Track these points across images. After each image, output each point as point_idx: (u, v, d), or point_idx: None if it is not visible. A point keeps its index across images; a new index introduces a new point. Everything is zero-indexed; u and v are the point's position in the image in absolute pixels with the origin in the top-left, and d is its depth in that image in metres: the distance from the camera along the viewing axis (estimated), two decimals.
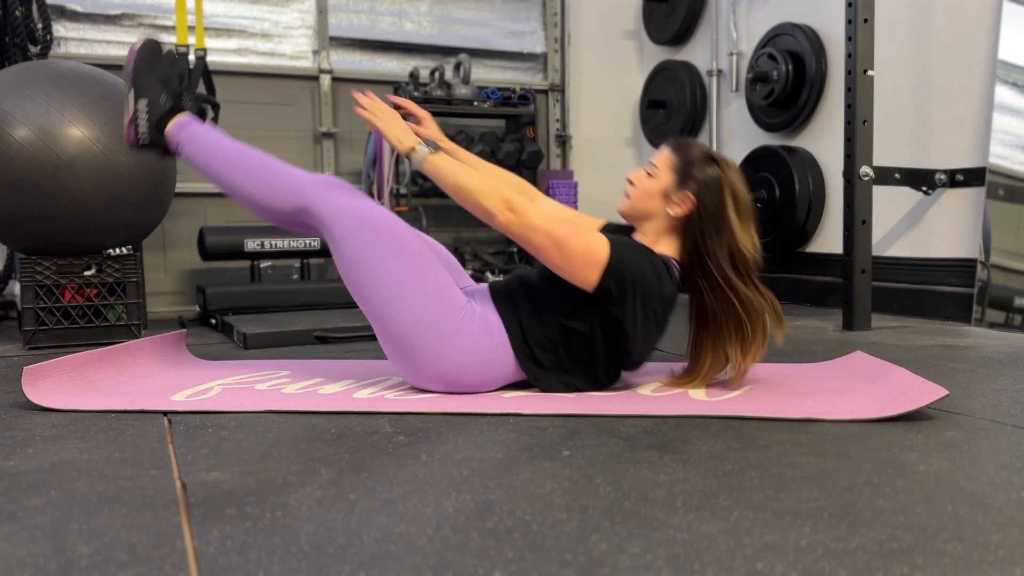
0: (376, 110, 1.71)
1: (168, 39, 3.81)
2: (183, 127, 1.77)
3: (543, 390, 1.63)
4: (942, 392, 1.43)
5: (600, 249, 1.53)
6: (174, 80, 1.83)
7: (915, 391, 1.49)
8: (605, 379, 1.66)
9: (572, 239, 1.53)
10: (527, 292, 1.65)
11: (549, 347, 1.61)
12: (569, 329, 1.59)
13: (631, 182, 1.68)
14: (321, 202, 1.62)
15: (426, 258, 1.61)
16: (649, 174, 1.66)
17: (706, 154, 1.64)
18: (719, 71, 3.96)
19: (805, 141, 3.47)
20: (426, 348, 1.58)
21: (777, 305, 1.63)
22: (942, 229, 2.89)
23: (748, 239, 1.60)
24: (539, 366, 1.62)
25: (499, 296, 1.65)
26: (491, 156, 4.18)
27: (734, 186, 1.61)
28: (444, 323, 1.58)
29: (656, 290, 1.56)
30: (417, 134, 1.69)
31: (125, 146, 1.82)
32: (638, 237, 1.68)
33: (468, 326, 1.59)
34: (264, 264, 3.87)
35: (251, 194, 1.69)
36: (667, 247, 1.64)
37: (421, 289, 1.58)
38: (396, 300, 1.58)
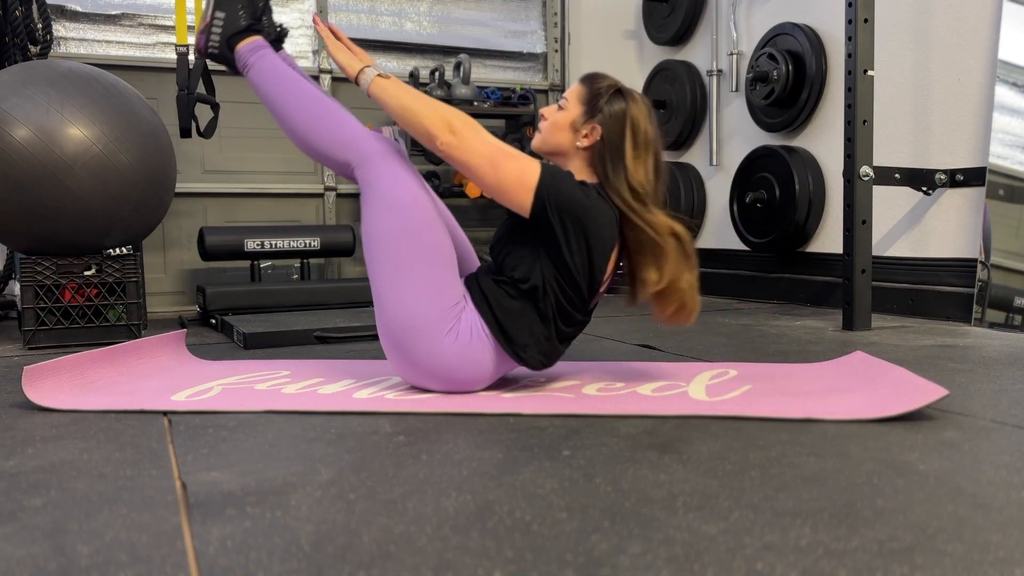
0: (325, 35, 1.71)
1: (168, 39, 3.81)
2: (255, 49, 1.76)
3: (530, 367, 1.63)
4: (942, 392, 1.43)
5: (532, 170, 1.55)
6: (258, 1, 1.80)
7: (915, 391, 1.49)
8: (569, 327, 1.65)
9: (507, 161, 1.54)
10: (486, 271, 1.67)
11: (515, 316, 1.60)
12: (525, 289, 1.59)
13: (543, 116, 1.70)
14: (369, 167, 1.64)
15: (445, 260, 1.61)
16: (560, 107, 1.67)
17: (614, 87, 1.65)
18: (719, 71, 3.96)
19: (805, 141, 3.47)
20: (421, 343, 1.59)
21: (682, 230, 1.61)
22: (942, 229, 2.89)
23: (641, 170, 1.61)
24: (516, 343, 1.61)
25: (470, 287, 1.66)
26: None
27: (635, 119, 1.62)
28: (441, 325, 1.58)
29: (586, 205, 1.55)
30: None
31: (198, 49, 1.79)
32: None
33: (461, 330, 1.60)
34: (264, 264, 3.87)
35: (305, 134, 1.70)
36: (584, 178, 1.64)
37: (430, 287, 1.59)
38: (403, 288, 1.59)
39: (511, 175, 1.54)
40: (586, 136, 1.63)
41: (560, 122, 1.66)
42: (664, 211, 1.63)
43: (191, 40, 2.70)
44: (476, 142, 1.56)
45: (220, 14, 1.74)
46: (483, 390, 1.67)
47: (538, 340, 1.62)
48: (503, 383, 1.75)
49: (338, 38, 1.72)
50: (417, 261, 1.59)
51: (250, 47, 1.77)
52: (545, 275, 1.58)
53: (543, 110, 1.71)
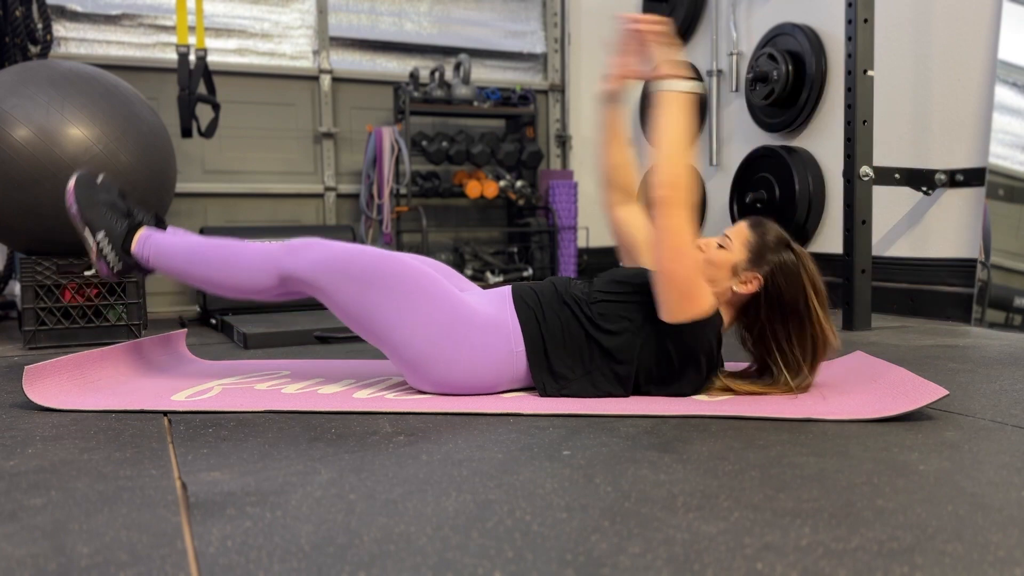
0: (651, 31, 1.62)
1: (168, 39, 3.82)
2: (145, 242, 1.77)
3: (544, 395, 1.62)
4: (942, 392, 1.43)
5: (707, 297, 1.55)
6: (119, 201, 1.84)
7: (915, 391, 1.49)
8: (608, 392, 1.63)
9: (693, 265, 1.53)
10: (563, 300, 1.63)
11: (568, 358, 1.60)
12: (602, 343, 1.58)
13: (701, 249, 1.65)
14: (298, 264, 1.64)
15: (418, 277, 1.61)
16: (721, 245, 1.64)
17: (782, 239, 1.63)
18: (719, 71, 3.96)
19: (805, 141, 3.48)
20: (439, 363, 1.59)
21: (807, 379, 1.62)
22: (942, 229, 2.89)
23: (830, 329, 1.60)
24: (551, 375, 1.60)
25: (522, 300, 1.64)
26: (491, 156, 4.18)
27: (812, 275, 1.60)
28: (453, 337, 1.59)
29: (708, 355, 1.57)
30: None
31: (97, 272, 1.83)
32: None
33: (476, 334, 1.59)
34: None
35: (230, 282, 1.70)
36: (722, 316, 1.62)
37: (423, 310, 1.59)
38: (402, 328, 1.59)
39: (687, 280, 1.51)
40: (745, 283, 1.60)
41: (721, 261, 1.61)
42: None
43: (191, 40, 2.69)
44: (686, 220, 1.51)
45: (100, 234, 1.76)
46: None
47: (576, 379, 1.61)
48: None
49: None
50: (398, 297, 1.59)
51: (141, 242, 1.77)
52: (635, 348, 1.57)
53: (700, 242, 1.65)
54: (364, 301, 1.60)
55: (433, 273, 1.64)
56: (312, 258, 1.63)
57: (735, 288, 1.60)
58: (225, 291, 1.72)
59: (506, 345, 1.60)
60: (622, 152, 1.83)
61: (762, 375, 1.65)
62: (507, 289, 1.70)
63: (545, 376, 1.60)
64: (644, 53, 1.65)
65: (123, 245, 1.76)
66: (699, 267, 1.55)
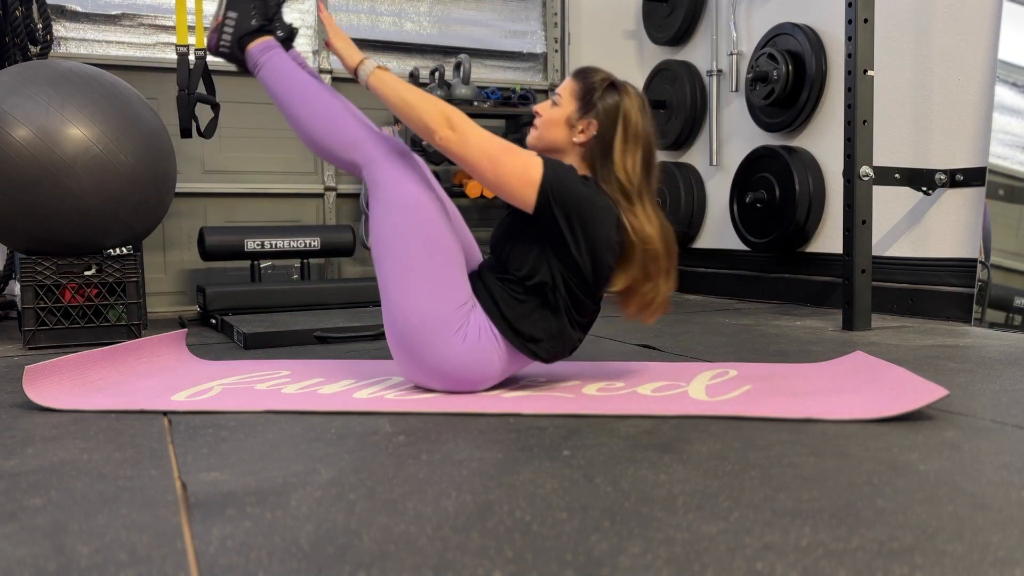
0: (328, 22, 1.72)
1: (168, 39, 3.81)
2: (266, 50, 1.76)
3: (545, 361, 1.64)
4: (942, 392, 1.43)
5: (534, 166, 1.55)
6: (270, 1, 1.81)
7: (915, 391, 1.49)
8: (580, 323, 1.66)
9: (507, 157, 1.55)
10: (489, 268, 1.67)
11: (525, 313, 1.61)
12: (532, 286, 1.60)
13: (537, 113, 1.69)
14: (377, 167, 1.65)
15: (452, 259, 1.62)
16: (554, 103, 1.67)
17: (607, 80, 1.65)
18: (719, 71, 3.96)
19: (805, 141, 3.47)
20: (430, 343, 1.59)
21: (655, 237, 1.61)
22: (942, 229, 2.89)
23: (629, 163, 1.61)
24: (528, 339, 1.61)
25: (475, 286, 1.66)
26: None
27: (627, 111, 1.62)
28: (450, 324, 1.59)
29: (590, 199, 1.56)
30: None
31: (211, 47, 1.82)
32: None
33: (470, 330, 1.60)
34: (264, 264, 3.87)
35: (314, 133, 1.71)
36: (583, 173, 1.64)
37: (438, 287, 1.59)
38: (411, 289, 1.59)
39: (513, 170, 1.54)
40: (582, 132, 1.63)
41: (555, 118, 1.66)
42: (652, 211, 1.63)
43: (191, 40, 2.70)
44: (475, 137, 1.56)
45: (232, 14, 1.75)
46: (484, 389, 1.67)
47: (551, 334, 1.63)
48: (504, 383, 1.75)
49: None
50: (424, 261, 1.59)
51: (261, 47, 1.77)
52: (552, 269, 1.59)
53: (537, 107, 1.71)
54: (398, 244, 1.60)
55: (460, 262, 1.64)
56: (393, 174, 1.63)
57: (575, 140, 1.63)
58: (304, 135, 1.72)
59: (488, 333, 1.61)
60: None
61: None
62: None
63: (528, 344, 1.61)
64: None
65: (243, 38, 1.75)
66: (511, 149, 1.56)
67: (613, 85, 1.65)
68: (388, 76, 1.63)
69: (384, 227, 1.63)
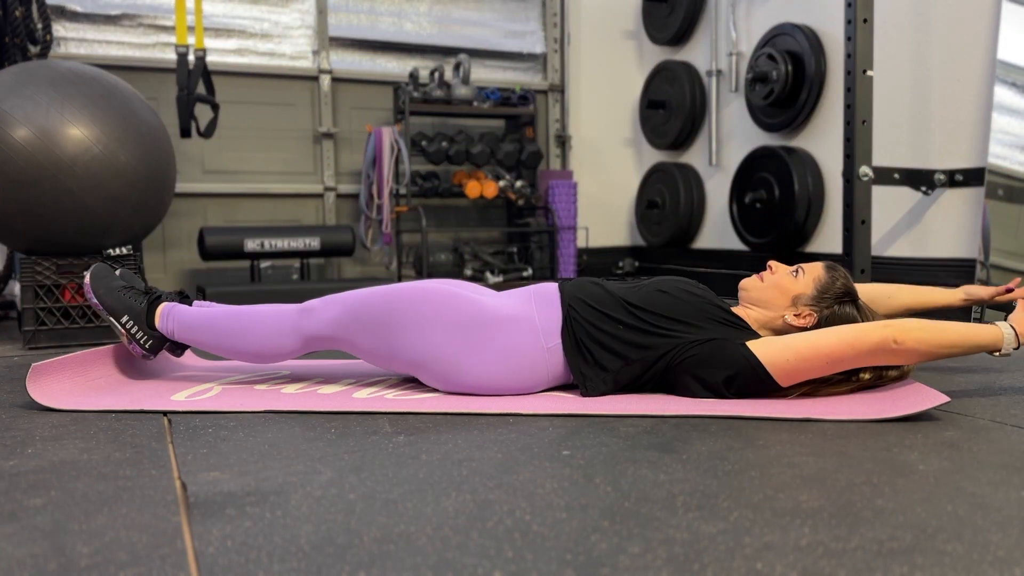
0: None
1: (168, 39, 3.81)
2: (167, 316, 1.78)
3: (585, 394, 1.61)
4: (943, 399, 1.43)
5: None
6: (137, 283, 1.88)
7: (916, 395, 1.49)
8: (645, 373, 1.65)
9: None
10: (591, 294, 1.64)
11: (602, 346, 1.60)
12: (638, 352, 1.59)
13: (771, 268, 1.68)
14: (317, 325, 1.68)
15: (429, 297, 1.63)
16: (795, 274, 1.66)
17: (850, 291, 1.65)
18: (719, 71, 3.96)
19: (804, 141, 3.48)
20: (471, 368, 1.60)
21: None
22: (941, 229, 2.89)
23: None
24: (595, 367, 1.60)
25: (566, 295, 1.64)
26: (491, 156, 4.18)
27: None
28: (480, 339, 1.59)
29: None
30: None
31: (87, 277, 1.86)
32: (738, 311, 1.67)
33: (502, 334, 1.60)
34: (264, 264, 3.87)
35: (255, 350, 1.74)
36: (766, 343, 1.60)
37: (445, 326, 1.60)
38: (429, 350, 1.61)
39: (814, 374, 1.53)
40: (799, 316, 1.62)
41: (787, 288, 1.64)
42: None
43: (191, 40, 2.69)
44: (869, 359, 1.51)
45: (125, 318, 1.79)
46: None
47: (608, 381, 1.61)
48: None
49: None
50: (421, 327, 1.61)
51: (163, 317, 1.79)
52: (674, 353, 1.57)
53: (775, 264, 1.68)
54: (387, 342, 1.64)
55: (444, 287, 1.65)
56: (327, 318, 1.68)
57: (788, 319, 1.63)
58: (253, 358, 1.77)
59: (535, 341, 1.60)
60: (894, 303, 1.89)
61: None
62: (531, 288, 1.71)
63: (587, 368, 1.60)
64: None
65: (147, 321, 1.78)
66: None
67: (854, 301, 1.64)
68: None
69: (369, 345, 1.65)
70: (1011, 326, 1.53)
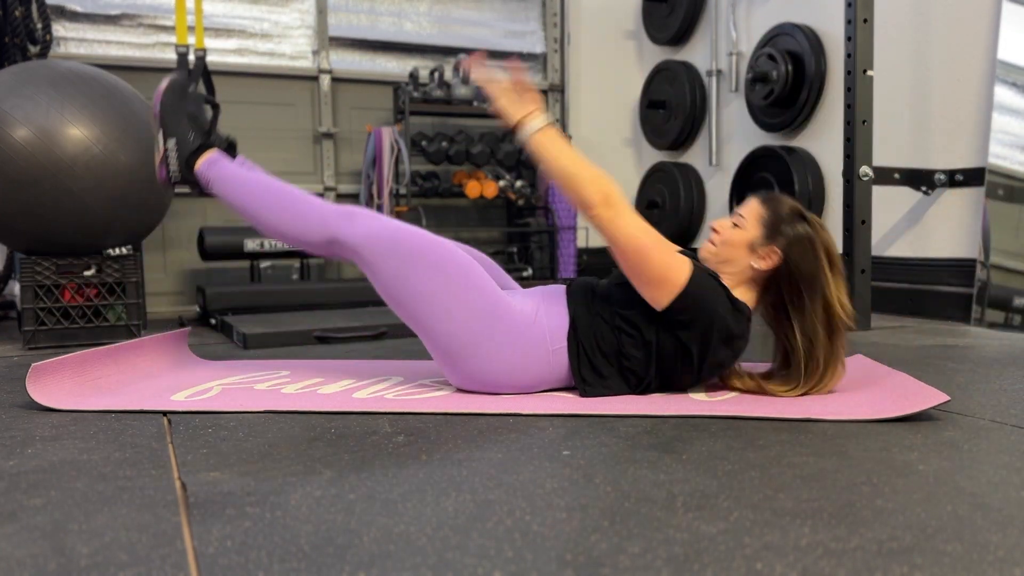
0: (488, 78, 1.64)
1: (168, 39, 3.81)
2: (212, 164, 1.78)
3: (584, 395, 1.61)
4: (943, 397, 1.43)
5: (681, 271, 1.52)
6: (202, 118, 1.85)
7: (915, 395, 1.49)
8: (645, 389, 1.64)
9: (656, 252, 1.52)
10: (589, 298, 1.64)
11: (603, 356, 1.60)
12: (623, 335, 1.58)
13: (715, 230, 1.66)
14: (349, 232, 1.65)
15: (462, 264, 1.61)
16: (736, 224, 1.64)
17: (796, 210, 1.62)
18: (719, 71, 3.96)
19: (804, 141, 3.48)
20: (476, 354, 1.59)
21: (840, 365, 1.61)
22: (942, 229, 2.89)
23: (843, 296, 1.58)
24: (594, 373, 1.60)
25: (571, 297, 1.65)
26: (491, 156, 4.18)
27: (827, 244, 1.60)
28: (492, 328, 1.59)
29: (727, 330, 1.55)
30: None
31: (159, 184, 1.87)
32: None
33: (514, 332, 1.59)
34: (264, 264, 3.87)
35: (281, 228, 1.72)
36: (743, 296, 1.62)
37: (464, 297, 1.59)
38: (441, 312, 1.59)
39: (658, 269, 1.51)
40: (763, 258, 1.60)
41: (736, 240, 1.62)
42: (841, 336, 1.59)
43: (191, 41, 2.69)
44: (630, 223, 1.52)
45: (171, 142, 1.78)
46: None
47: (611, 384, 1.61)
48: None
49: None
50: (438, 282, 1.59)
51: (207, 163, 1.79)
52: (650, 344, 1.57)
53: (715, 223, 1.67)
54: (406, 280, 1.60)
55: (478, 266, 1.64)
56: (363, 230, 1.64)
57: (754, 265, 1.60)
58: (273, 234, 1.74)
59: (542, 343, 1.60)
60: None
61: (785, 368, 1.65)
62: (540, 289, 1.71)
63: (586, 373, 1.60)
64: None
65: (188, 160, 1.77)
66: (662, 246, 1.54)
67: (803, 216, 1.61)
68: (553, 138, 1.55)
69: (387, 276, 1.62)
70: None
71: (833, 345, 1.57)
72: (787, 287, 1.59)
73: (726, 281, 1.62)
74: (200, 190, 1.82)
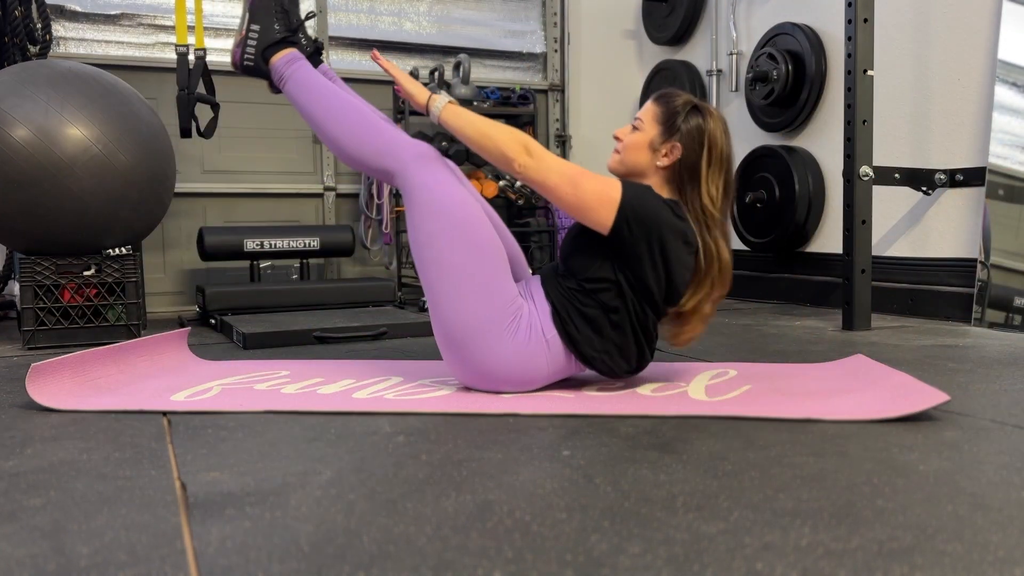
0: (390, 67, 1.72)
1: (168, 39, 3.81)
2: (290, 62, 1.76)
3: (605, 374, 1.65)
4: (943, 397, 1.43)
5: (613, 188, 1.55)
6: (293, 14, 1.81)
7: (916, 395, 1.49)
8: (645, 344, 1.66)
9: (587, 179, 1.56)
10: (553, 271, 1.67)
11: (590, 322, 1.61)
12: (599, 294, 1.59)
13: (618, 138, 1.69)
14: (411, 173, 1.65)
15: (495, 257, 1.61)
16: (635, 127, 1.67)
17: (690, 103, 1.64)
18: (719, 71, 3.96)
19: (805, 141, 3.47)
20: (478, 343, 1.59)
21: (727, 258, 1.64)
22: (942, 229, 2.89)
23: (713, 187, 1.61)
24: (591, 346, 1.61)
25: (541, 287, 1.66)
26: None
27: (712, 135, 1.62)
28: (499, 323, 1.59)
29: (672, 223, 1.56)
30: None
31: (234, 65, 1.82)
32: None
33: (520, 327, 1.60)
34: (264, 264, 3.87)
35: (344, 143, 1.71)
36: (665, 195, 1.64)
37: (484, 287, 1.59)
38: (457, 291, 1.59)
39: (592, 192, 1.54)
40: (666, 155, 1.62)
41: (637, 142, 1.65)
42: (722, 232, 1.64)
43: (191, 40, 2.69)
44: (553, 162, 1.57)
45: (255, 27, 1.74)
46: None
47: (611, 348, 1.62)
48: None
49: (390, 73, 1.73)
50: (467, 261, 1.59)
51: (285, 59, 1.77)
52: (621, 285, 1.59)
53: (617, 132, 1.70)
54: (437, 244, 1.60)
55: (506, 257, 1.64)
56: (428, 178, 1.64)
57: (658, 164, 1.63)
58: (334, 145, 1.73)
59: (538, 334, 1.61)
60: None
61: None
62: (521, 284, 1.71)
63: (585, 355, 1.61)
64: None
65: (267, 50, 1.75)
66: (587, 172, 1.57)
67: (696, 108, 1.63)
68: (460, 110, 1.63)
69: (423, 230, 1.62)
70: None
71: (711, 238, 1.61)
72: (679, 180, 1.63)
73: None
74: (272, 85, 1.79)
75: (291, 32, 1.78)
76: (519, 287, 1.70)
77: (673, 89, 1.71)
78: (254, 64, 1.76)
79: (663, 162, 1.63)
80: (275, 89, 1.83)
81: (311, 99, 1.74)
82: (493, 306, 1.59)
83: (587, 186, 1.55)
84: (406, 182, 1.65)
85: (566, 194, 1.55)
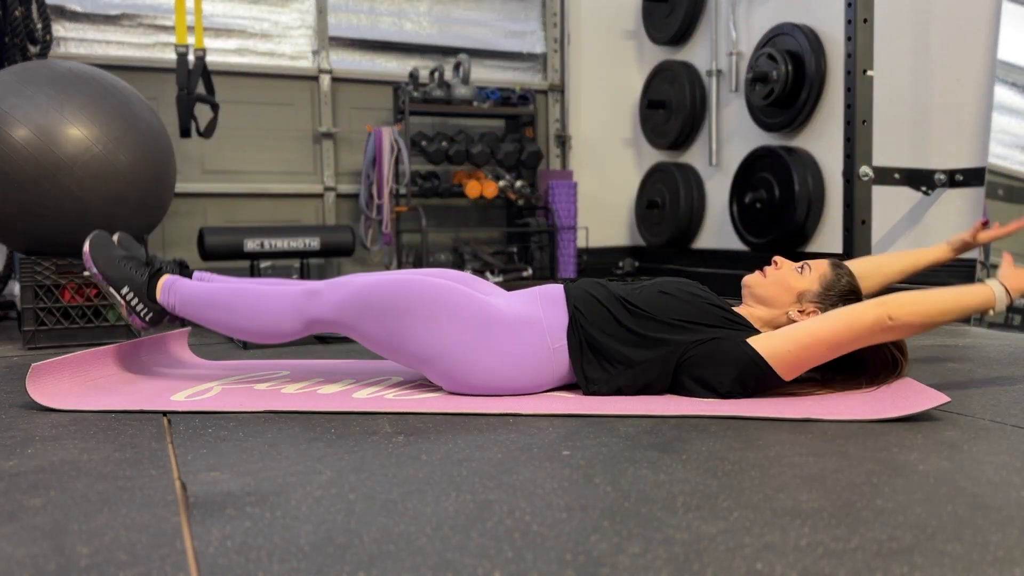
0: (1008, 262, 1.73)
1: (168, 39, 3.81)
2: (169, 289, 1.77)
3: (587, 393, 1.62)
4: (943, 398, 1.43)
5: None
6: (137, 253, 1.86)
7: (916, 396, 1.49)
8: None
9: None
10: (600, 296, 1.63)
11: (606, 355, 1.59)
12: (634, 357, 1.58)
13: (776, 263, 1.69)
14: (322, 308, 1.66)
15: (439, 293, 1.61)
16: (801, 270, 1.67)
17: (854, 289, 1.65)
18: (719, 71, 3.96)
19: (804, 141, 3.48)
20: (477, 369, 1.59)
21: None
22: (941, 229, 2.89)
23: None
24: (599, 368, 1.60)
25: (571, 296, 1.64)
26: (491, 156, 4.18)
27: None
28: (487, 337, 1.58)
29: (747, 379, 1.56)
30: None
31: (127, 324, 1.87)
32: (741, 310, 1.68)
33: (509, 334, 1.59)
34: (264, 264, 3.87)
35: (256, 329, 1.72)
36: (766, 338, 1.59)
37: (451, 324, 1.59)
38: (433, 346, 1.59)
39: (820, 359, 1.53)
40: (803, 312, 1.63)
41: (791, 285, 1.65)
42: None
43: (191, 40, 2.70)
44: (872, 338, 1.52)
45: (124, 289, 1.77)
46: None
47: (612, 384, 1.61)
48: None
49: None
50: (426, 319, 1.59)
51: (165, 290, 1.77)
52: (676, 360, 1.57)
53: (780, 259, 1.70)
54: (392, 332, 1.61)
55: (453, 284, 1.64)
56: (333, 301, 1.65)
57: (792, 315, 1.63)
58: (251, 337, 1.74)
59: (541, 341, 1.60)
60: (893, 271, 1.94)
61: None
62: (537, 289, 1.70)
63: (590, 370, 1.60)
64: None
65: (148, 294, 1.77)
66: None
67: (859, 299, 1.63)
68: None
69: (372, 333, 1.63)
70: (1001, 283, 1.54)
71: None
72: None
73: (756, 315, 1.65)
74: (173, 319, 1.81)
75: (150, 265, 1.82)
76: (522, 293, 1.70)
77: (848, 267, 1.70)
78: (156, 315, 1.78)
79: (797, 317, 1.62)
80: (176, 320, 1.83)
81: (203, 309, 1.74)
82: (473, 334, 1.58)
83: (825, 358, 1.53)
84: (326, 317, 1.65)
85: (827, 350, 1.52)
